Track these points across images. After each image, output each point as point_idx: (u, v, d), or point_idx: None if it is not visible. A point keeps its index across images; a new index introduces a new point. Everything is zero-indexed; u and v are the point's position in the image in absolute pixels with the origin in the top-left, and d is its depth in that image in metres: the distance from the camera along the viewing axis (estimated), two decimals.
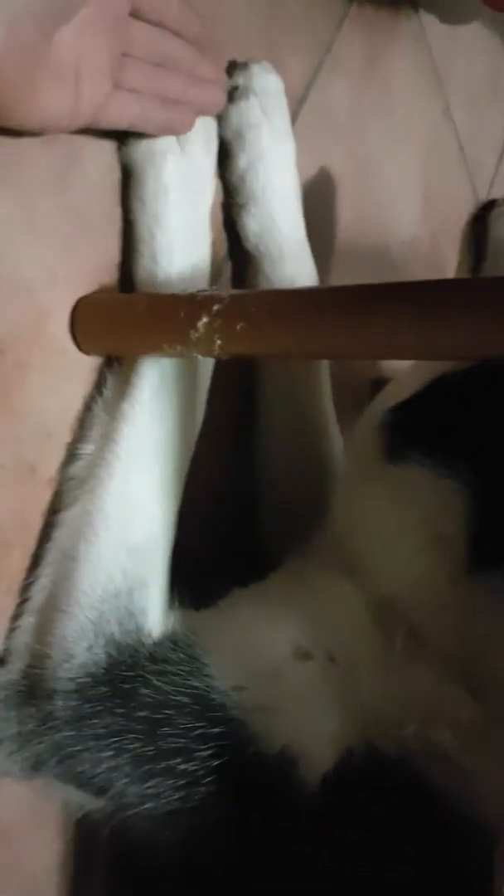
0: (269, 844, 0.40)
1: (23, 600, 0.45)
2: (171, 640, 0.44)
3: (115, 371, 0.48)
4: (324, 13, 0.70)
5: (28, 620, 0.44)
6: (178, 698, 0.41)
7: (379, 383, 0.66)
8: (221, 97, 0.50)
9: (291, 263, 0.56)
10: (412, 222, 0.88)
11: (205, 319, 0.41)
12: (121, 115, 0.43)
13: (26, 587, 0.45)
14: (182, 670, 0.42)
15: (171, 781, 0.40)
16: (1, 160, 0.43)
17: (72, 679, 0.42)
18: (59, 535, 0.45)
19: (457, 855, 0.39)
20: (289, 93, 0.57)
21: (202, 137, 0.50)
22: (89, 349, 0.48)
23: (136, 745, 0.40)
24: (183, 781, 0.40)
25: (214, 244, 0.53)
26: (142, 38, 0.43)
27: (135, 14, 0.42)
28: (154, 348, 0.44)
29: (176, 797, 0.40)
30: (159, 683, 0.41)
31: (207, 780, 0.40)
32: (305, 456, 0.59)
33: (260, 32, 0.62)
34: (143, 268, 0.49)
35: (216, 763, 0.40)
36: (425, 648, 0.43)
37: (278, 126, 0.55)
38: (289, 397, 0.59)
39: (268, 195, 0.55)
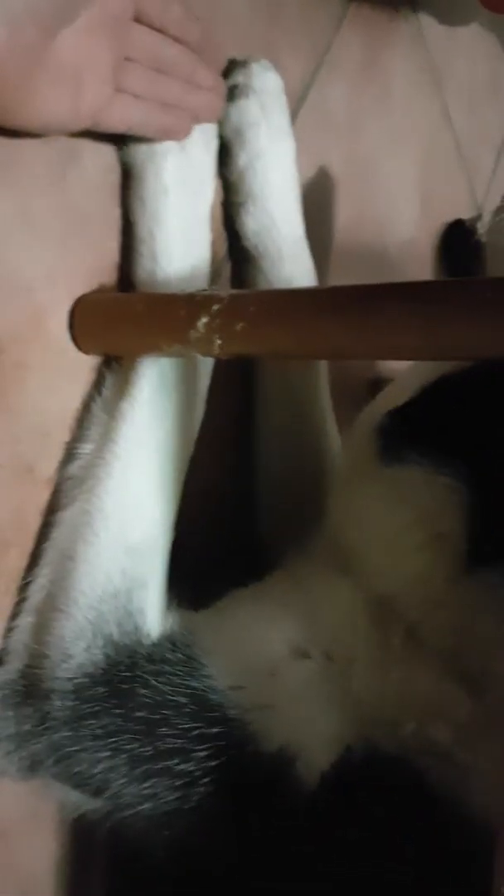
0: (268, 844, 0.40)
1: (21, 600, 0.45)
2: (170, 641, 0.44)
3: (115, 371, 0.48)
4: (323, 13, 0.70)
5: (26, 620, 0.44)
6: (176, 699, 0.41)
7: (378, 383, 0.67)
8: (219, 105, 0.50)
9: (290, 262, 0.56)
10: (411, 222, 0.88)
11: (204, 319, 0.41)
12: (121, 118, 0.43)
13: (24, 587, 0.45)
14: (180, 671, 0.42)
15: (169, 782, 0.40)
16: (0, 160, 0.43)
17: (70, 679, 0.41)
18: (58, 535, 0.45)
19: (456, 854, 0.39)
20: (288, 92, 0.57)
21: (202, 136, 0.50)
22: (88, 349, 0.48)
23: (134, 745, 0.40)
24: (181, 782, 0.40)
25: (214, 244, 0.53)
26: (143, 42, 0.43)
27: (137, 19, 0.42)
28: (153, 348, 0.44)
29: (174, 797, 0.40)
30: (157, 684, 0.41)
31: (205, 780, 0.40)
32: (304, 456, 0.59)
33: (260, 32, 0.62)
34: (143, 267, 0.49)
35: (214, 763, 0.40)
36: (423, 647, 0.43)
37: (277, 124, 0.55)
38: (287, 397, 0.59)
39: (266, 193, 0.55)
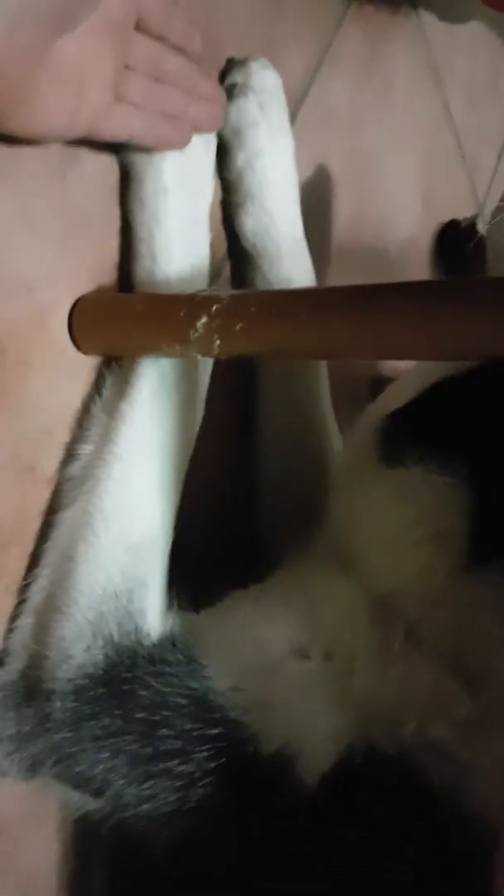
0: (268, 844, 0.40)
1: (21, 601, 0.45)
2: (170, 642, 0.44)
3: (114, 371, 0.48)
4: (324, 11, 0.70)
5: (26, 621, 0.44)
6: (176, 700, 0.41)
7: (378, 383, 0.67)
8: (220, 115, 0.50)
9: (289, 262, 0.56)
10: (411, 221, 0.88)
11: (204, 319, 0.40)
12: (121, 127, 0.43)
13: (25, 587, 0.45)
14: (180, 671, 0.42)
15: (169, 782, 0.40)
16: (0, 159, 0.43)
17: (70, 680, 0.41)
18: (58, 536, 0.45)
19: (456, 853, 0.39)
20: (289, 90, 0.57)
21: (201, 137, 0.50)
22: (88, 349, 0.48)
23: (134, 746, 0.40)
24: (181, 783, 0.40)
25: (213, 243, 0.53)
26: (145, 51, 0.43)
27: (139, 27, 0.42)
28: (153, 348, 0.44)
29: (174, 798, 0.40)
30: (157, 685, 0.41)
31: (205, 781, 0.40)
32: (304, 455, 0.59)
33: (260, 30, 0.62)
34: (142, 267, 0.49)
35: (214, 764, 0.40)
36: (423, 646, 0.43)
37: (276, 123, 0.55)
38: (288, 397, 0.59)
39: (265, 193, 0.55)
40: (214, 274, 0.56)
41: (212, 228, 0.53)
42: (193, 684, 0.41)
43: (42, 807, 0.49)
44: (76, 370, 0.48)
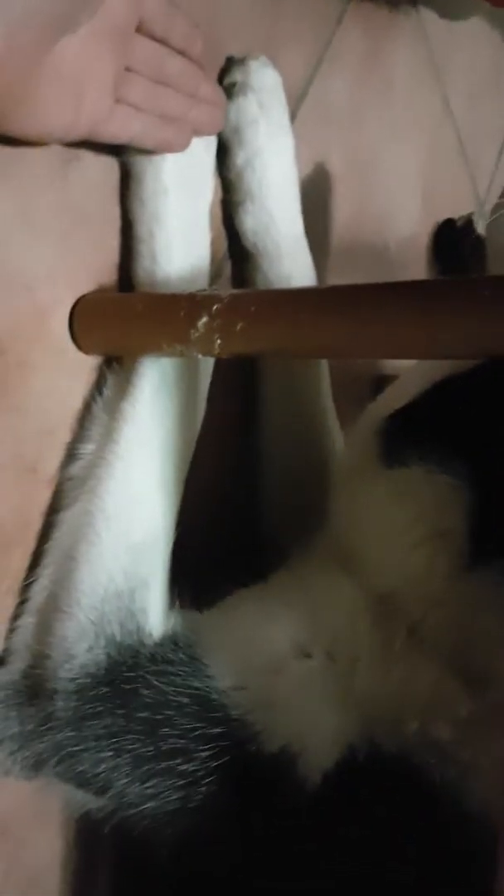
0: (270, 843, 0.40)
1: (23, 600, 0.45)
2: (172, 641, 0.44)
3: (115, 371, 0.48)
4: (323, 9, 0.70)
5: (28, 621, 0.44)
6: (179, 699, 0.41)
7: (379, 382, 0.67)
8: (221, 119, 0.50)
9: (289, 260, 0.56)
10: (412, 219, 0.88)
11: (204, 319, 0.40)
12: (121, 129, 0.43)
13: (26, 587, 0.45)
14: (183, 671, 0.42)
15: (172, 781, 0.40)
16: (1, 159, 0.43)
17: (72, 680, 0.42)
18: (60, 535, 0.45)
19: (457, 853, 0.39)
20: (288, 89, 0.57)
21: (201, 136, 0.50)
22: (89, 349, 0.48)
23: (137, 745, 0.40)
24: (183, 781, 0.40)
25: (214, 243, 0.53)
26: (146, 54, 0.42)
27: (140, 30, 0.42)
28: (154, 348, 0.44)
29: (176, 797, 0.40)
30: (159, 684, 0.41)
31: (208, 780, 0.40)
32: (306, 455, 0.59)
33: (260, 27, 0.61)
34: (143, 267, 0.49)
35: (217, 763, 0.40)
36: (424, 645, 0.43)
37: (276, 122, 0.55)
38: (288, 396, 0.59)
39: (265, 192, 0.55)
40: (215, 273, 0.56)
41: (212, 228, 0.53)
42: (196, 683, 0.41)
43: (45, 806, 0.50)
44: (77, 370, 0.48)
